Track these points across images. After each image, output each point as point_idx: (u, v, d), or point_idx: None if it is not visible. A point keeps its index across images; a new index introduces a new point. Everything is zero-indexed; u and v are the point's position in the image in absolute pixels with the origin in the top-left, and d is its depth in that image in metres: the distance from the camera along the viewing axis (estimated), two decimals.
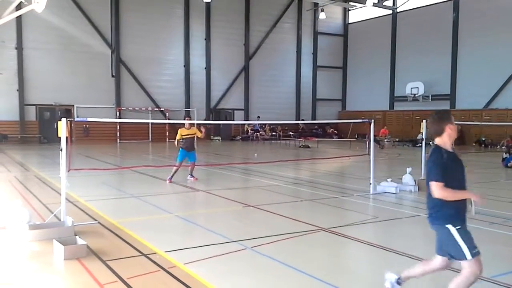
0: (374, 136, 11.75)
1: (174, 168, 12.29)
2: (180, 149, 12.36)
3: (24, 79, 28.15)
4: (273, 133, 34.59)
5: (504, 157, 16.89)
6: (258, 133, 34.03)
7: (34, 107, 28.70)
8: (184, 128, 12.39)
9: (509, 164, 16.28)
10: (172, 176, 12.12)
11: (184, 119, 12.99)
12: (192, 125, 12.70)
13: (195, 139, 12.76)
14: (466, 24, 30.08)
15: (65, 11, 28.52)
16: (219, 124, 33.58)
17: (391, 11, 35.26)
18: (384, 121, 34.57)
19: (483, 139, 28.03)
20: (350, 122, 24.56)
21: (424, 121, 12.14)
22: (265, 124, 34.43)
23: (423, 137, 12.21)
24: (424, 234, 7.35)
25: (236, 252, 5.98)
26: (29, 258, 5.77)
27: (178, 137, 12.38)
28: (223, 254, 5.84)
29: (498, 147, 25.94)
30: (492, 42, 28.56)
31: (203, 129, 12.90)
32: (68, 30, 28.80)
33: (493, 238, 6.87)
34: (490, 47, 28.67)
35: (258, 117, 34.30)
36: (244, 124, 35.01)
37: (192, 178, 12.38)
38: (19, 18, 26.66)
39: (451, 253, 4.15)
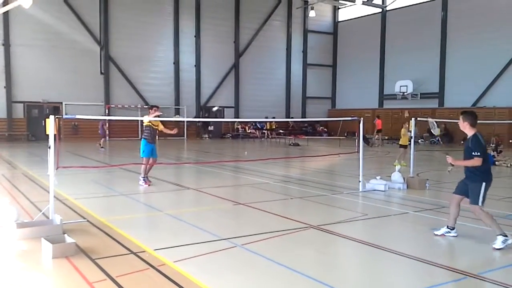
0: (364, 134, 11.79)
1: (143, 166, 11.18)
2: (144, 140, 11.20)
3: (11, 76, 27.82)
4: (263, 131, 34.57)
5: (491, 154, 17.04)
6: (259, 131, 33.68)
7: (22, 104, 28.40)
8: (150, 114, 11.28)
9: (496, 163, 16.44)
10: (145, 177, 11.14)
11: (152, 109, 11.67)
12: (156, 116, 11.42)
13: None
14: (455, 23, 30.33)
15: (53, 7, 28.24)
16: (209, 121, 33.47)
17: (380, 10, 35.44)
18: (373, 118, 34.76)
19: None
20: (340, 120, 24.70)
21: (412, 119, 12.22)
22: (267, 122, 34.53)
23: (412, 135, 12.30)
24: (413, 231, 7.42)
25: (226, 249, 5.99)
26: (17, 257, 5.72)
27: (146, 119, 11.18)
28: (213, 252, 5.84)
29: (489, 145, 26.17)
30: (480, 41, 28.83)
31: (174, 131, 12.07)
32: (56, 26, 28.51)
33: (481, 235, 6.93)
34: (478, 45, 28.93)
35: (266, 117, 34.23)
36: (235, 122, 34.97)
37: (145, 184, 11.03)
38: (6, 14, 26.37)
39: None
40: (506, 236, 6.14)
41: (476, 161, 6.29)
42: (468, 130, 6.53)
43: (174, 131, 12.12)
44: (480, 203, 6.34)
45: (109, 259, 5.55)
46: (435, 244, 6.59)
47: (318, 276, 5.03)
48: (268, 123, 34.18)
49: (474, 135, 6.42)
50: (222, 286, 4.78)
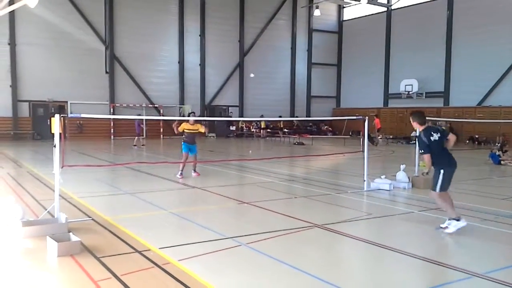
0: (369, 133, 11.78)
1: (182, 160, 12.67)
2: (183, 142, 12.74)
3: (17, 75, 27.95)
4: (269, 130, 34.50)
5: (496, 153, 16.97)
6: (264, 130, 33.47)
7: (28, 103, 28.52)
8: (188, 123, 12.80)
9: (501, 162, 16.36)
10: (181, 171, 12.47)
11: (189, 116, 13.56)
12: (196, 121, 13.11)
13: (196, 135, 13.07)
14: (460, 22, 30.18)
15: (58, 6, 28.32)
16: (214, 120, 33.44)
17: (385, 9, 35.32)
18: (378, 117, 34.65)
19: (476, 136, 28.16)
20: (345, 119, 24.63)
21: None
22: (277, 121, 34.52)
23: (417, 134, 12.26)
24: (417, 231, 7.40)
25: (230, 248, 5.99)
26: (23, 255, 5.74)
27: (180, 128, 12.70)
28: (218, 251, 5.84)
29: (495, 144, 26.03)
30: (486, 40, 28.67)
31: (206, 130, 13.41)
32: (62, 25, 28.62)
33: (485, 235, 6.92)
34: (484, 44, 28.78)
35: (262, 116, 34.12)
36: (240, 120, 34.94)
37: (195, 174, 12.72)
38: (12, 14, 26.46)
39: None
40: (459, 220, 6.58)
41: (426, 158, 6.76)
42: (419, 128, 6.99)
43: (206, 130, 13.78)
44: (437, 190, 6.75)
45: (114, 257, 5.56)
46: (440, 243, 6.57)
47: (323, 275, 5.02)
48: (261, 122, 33.99)
49: (419, 135, 6.90)
50: (227, 285, 4.78)
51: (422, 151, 6.83)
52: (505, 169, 15.53)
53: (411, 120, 7.17)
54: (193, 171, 12.85)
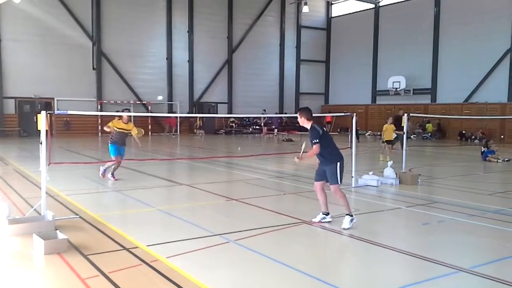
0: (357, 129, 11.83)
1: (110, 163, 11.20)
2: (110, 144, 11.26)
3: (2, 71, 27.58)
4: (257, 127, 34.47)
5: (482, 150, 17.19)
6: (270, 129, 33.25)
7: (14, 100, 28.17)
8: (121, 121, 11.23)
9: (487, 158, 16.57)
10: (113, 172, 11.19)
11: (123, 111, 11.64)
12: (130, 120, 11.54)
13: (127, 136, 11.52)
14: (447, 19, 30.43)
15: (44, 1, 27.98)
16: (203, 117, 33.38)
17: (373, 5, 35.48)
18: (366, 115, 34.90)
19: (463, 132, 28.49)
20: (333, 116, 24.79)
21: (405, 115, 12.28)
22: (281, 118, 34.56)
23: (404, 130, 12.37)
24: (405, 226, 7.47)
25: (219, 245, 5.98)
26: (9, 253, 5.68)
27: (111, 125, 11.13)
28: (206, 248, 5.83)
29: (476, 140, 26.37)
30: (472, 37, 28.96)
31: (140, 134, 11.66)
32: (48, 21, 28.25)
33: (472, 230, 7.00)
34: (470, 41, 29.07)
35: (264, 110, 34.07)
36: (229, 117, 34.92)
37: (112, 178, 11.08)
38: None
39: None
40: (352, 216, 6.87)
41: (316, 148, 6.82)
42: (306, 123, 7.04)
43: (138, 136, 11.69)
44: (338, 182, 6.93)
45: (101, 255, 5.53)
46: (428, 238, 6.63)
47: (311, 271, 5.04)
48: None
49: (311, 127, 6.94)
50: (215, 282, 4.78)
51: (316, 140, 6.78)
52: (490, 165, 15.72)
53: (298, 116, 7.11)
54: (111, 174, 11.13)
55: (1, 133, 27.46)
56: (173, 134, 30.73)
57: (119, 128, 11.15)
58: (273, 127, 33.50)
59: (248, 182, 11.52)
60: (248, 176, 12.53)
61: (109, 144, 11.35)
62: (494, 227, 7.18)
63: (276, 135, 29.36)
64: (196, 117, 32.15)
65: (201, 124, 31.94)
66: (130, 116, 11.61)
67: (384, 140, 16.83)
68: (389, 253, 5.81)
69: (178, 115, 31.65)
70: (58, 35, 28.72)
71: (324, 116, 33.79)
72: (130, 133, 11.41)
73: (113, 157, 11.16)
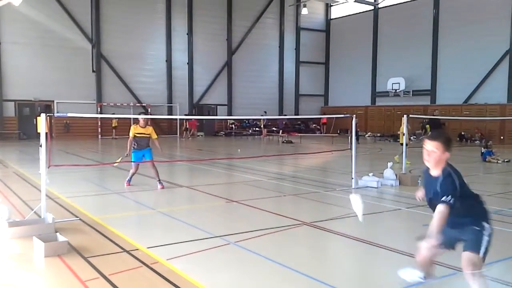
0: (357, 131, 11.83)
1: (131, 171, 10.72)
2: (133, 151, 10.54)
3: (2, 74, 27.61)
4: (256, 129, 34.47)
5: (482, 151, 17.20)
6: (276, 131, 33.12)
7: (13, 102, 28.20)
8: (138, 125, 10.55)
9: (486, 159, 16.58)
10: (130, 179, 10.74)
11: (139, 115, 10.97)
12: (147, 123, 10.71)
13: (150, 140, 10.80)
14: (446, 20, 30.46)
15: (44, 4, 28.02)
16: (202, 119, 33.42)
17: (372, 7, 35.53)
18: (366, 116, 34.92)
19: (463, 133, 28.48)
20: (333, 117, 24.81)
21: (405, 116, 12.29)
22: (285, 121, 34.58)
23: (404, 132, 12.37)
24: (405, 228, 7.47)
25: (219, 247, 5.98)
26: (9, 256, 5.67)
27: (130, 134, 10.45)
28: (206, 250, 5.83)
29: (476, 141, 26.36)
30: (472, 38, 28.97)
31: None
32: (47, 24, 28.30)
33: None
34: (470, 43, 29.08)
35: (265, 112, 34.06)
36: (228, 119, 34.93)
37: (160, 186, 10.47)
38: None
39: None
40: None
41: (445, 210, 3.97)
42: (438, 160, 4.28)
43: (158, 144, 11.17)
44: (481, 252, 4.33)
45: (101, 257, 5.52)
46: None
47: (311, 273, 5.04)
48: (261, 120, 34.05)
49: (445, 171, 4.16)
50: (216, 283, 4.78)
51: (451, 199, 3.92)
52: (490, 166, 15.72)
53: (430, 143, 4.22)
54: (158, 182, 10.50)
55: (0, 135, 27.45)
56: (190, 136, 31.00)
57: (138, 134, 10.48)
58: (275, 128, 33.49)
59: (248, 184, 11.52)
60: (248, 177, 12.52)
61: (132, 152, 10.62)
62: (494, 227, 7.15)
63: (281, 137, 29.32)
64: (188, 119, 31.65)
65: (187, 126, 31.48)
66: (147, 119, 10.85)
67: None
68: (390, 254, 5.81)
69: (183, 117, 31.46)
70: (57, 38, 28.75)
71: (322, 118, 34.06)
72: (150, 137, 10.68)
73: (132, 164, 10.59)
